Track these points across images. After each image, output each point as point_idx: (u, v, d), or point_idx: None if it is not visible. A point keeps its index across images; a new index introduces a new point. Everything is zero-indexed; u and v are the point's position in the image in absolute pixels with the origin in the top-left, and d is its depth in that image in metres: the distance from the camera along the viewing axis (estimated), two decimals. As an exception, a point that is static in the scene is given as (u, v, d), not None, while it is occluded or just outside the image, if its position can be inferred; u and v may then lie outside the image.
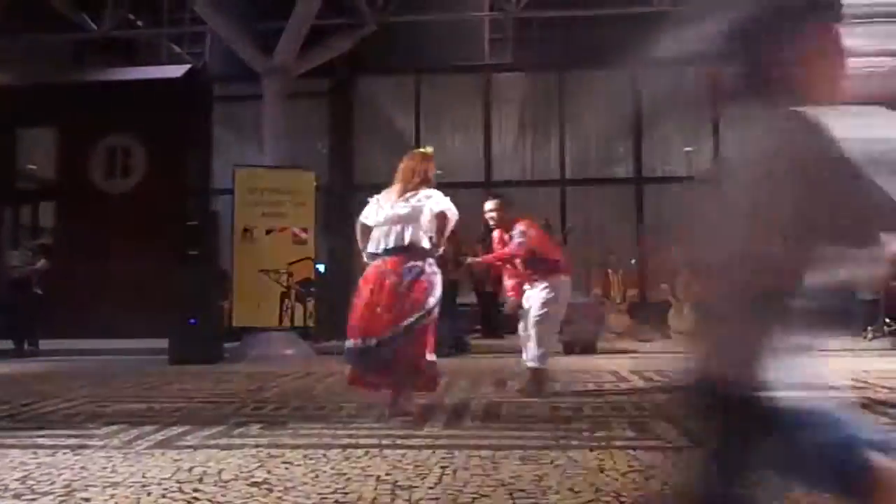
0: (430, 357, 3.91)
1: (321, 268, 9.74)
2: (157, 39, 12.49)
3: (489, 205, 5.03)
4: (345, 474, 2.61)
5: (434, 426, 3.58)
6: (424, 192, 3.93)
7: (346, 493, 2.35)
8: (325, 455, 2.93)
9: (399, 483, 2.48)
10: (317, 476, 2.59)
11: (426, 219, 3.86)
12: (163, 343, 7.43)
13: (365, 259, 3.99)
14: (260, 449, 3.04)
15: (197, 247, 7.65)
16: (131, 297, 9.76)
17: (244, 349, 8.00)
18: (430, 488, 2.41)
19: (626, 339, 9.13)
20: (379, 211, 3.99)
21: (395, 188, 4.02)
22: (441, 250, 3.97)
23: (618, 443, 3.11)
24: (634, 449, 2.97)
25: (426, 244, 3.86)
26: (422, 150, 4.27)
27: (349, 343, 3.81)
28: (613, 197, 11.32)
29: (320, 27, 9.10)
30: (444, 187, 12.64)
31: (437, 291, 3.89)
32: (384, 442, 3.18)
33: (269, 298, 8.10)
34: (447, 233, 3.93)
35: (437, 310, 3.88)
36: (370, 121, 11.44)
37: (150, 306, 8.63)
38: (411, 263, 3.79)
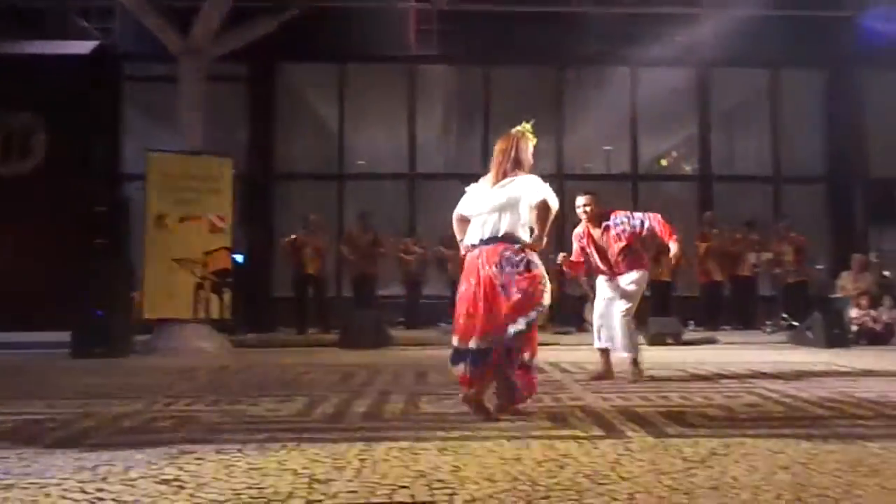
0: (531, 359, 3.59)
1: (239, 258, 9.47)
2: (62, 11, 11.72)
3: (582, 199, 5.21)
4: (260, 469, 2.54)
5: (354, 418, 3.54)
6: (521, 179, 3.57)
7: (262, 489, 2.29)
8: (239, 450, 2.84)
9: (316, 476, 2.43)
10: (231, 472, 2.51)
11: (524, 208, 3.53)
12: (68, 336, 7.04)
13: (462, 251, 3.72)
14: (171, 445, 2.92)
15: (104, 234, 7.28)
16: (33, 287, 9.19)
17: (155, 342, 7.69)
18: (349, 481, 2.38)
19: (545, 332, 9.33)
20: (475, 200, 3.70)
21: (490, 174, 3.70)
22: (544, 242, 3.56)
23: (535, 433, 3.17)
24: (551, 439, 3.03)
25: (525, 235, 3.55)
26: (517, 128, 3.78)
27: (453, 341, 3.59)
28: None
29: (241, 8, 8.80)
30: (366, 178, 12.66)
31: (548, 286, 3.54)
32: (302, 436, 3.12)
33: (183, 289, 7.80)
34: (549, 223, 3.53)
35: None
36: (292, 108, 11.19)
37: (53, 297, 8.16)
38: (508, 254, 3.47)
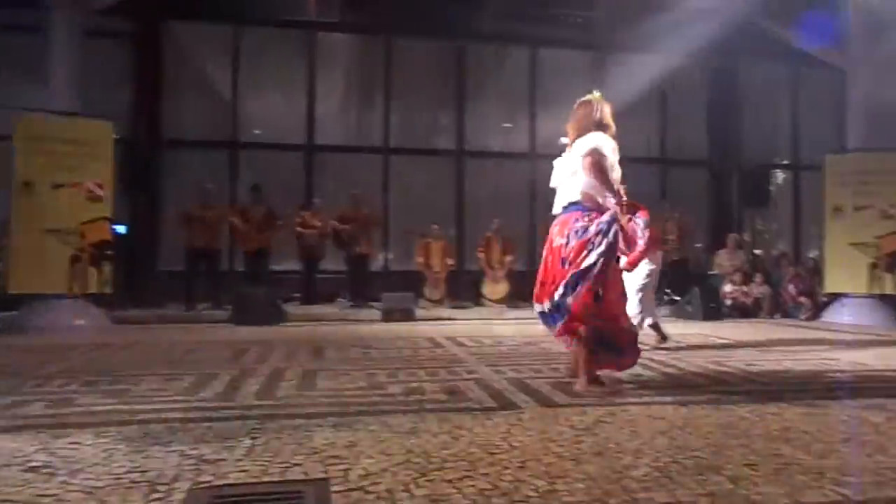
0: (623, 323, 3.65)
1: (121, 229, 8.92)
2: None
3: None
4: (143, 451, 2.41)
5: (245, 396, 3.44)
6: (584, 138, 3.59)
7: (145, 472, 2.18)
8: (120, 432, 2.69)
9: (205, 457, 2.34)
10: (110, 455, 2.37)
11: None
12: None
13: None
14: (41, 430, 2.72)
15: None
16: None
17: (24, 319, 7.12)
18: (239, 460, 2.31)
19: (442, 307, 9.43)
20: (557, 170, 3.75)
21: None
22: (613, 199, 3.46)
23: (430, 406, 3.19)
24: (446, 411, 3.07)
25: (601, 196, 3.52)
26: (594, 94, 3.78)
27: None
28: (435, 168, 11.54)
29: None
30: (261, 148, 12.18)
31: (602, 249, 3.41)
32: (189, 415, 2.99)
33: (57, 262, 7.26)
34: (601, 173, 3.45)
35: (597, 269, 3.40)
36: (181, 71, 10.55)
37: None
38: (578, 226, 3.48)
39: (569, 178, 3.64)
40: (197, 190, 9.20)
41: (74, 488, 2.04)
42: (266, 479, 2.13)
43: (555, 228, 3.64)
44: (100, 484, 2.07)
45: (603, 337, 3.58)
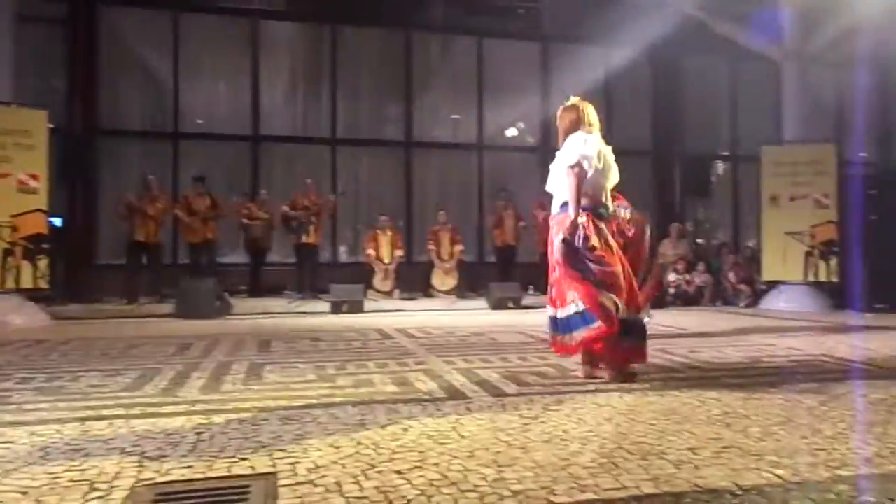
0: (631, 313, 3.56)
1: (57, 221, 8.58)
2: None
3: None
4: (82, 449, 2.34)
5: (190, 391, 3.36)
6: (572, 139, 3.62)
7: (84, 470, 2.11)
8: (58, 430, 2.60)
9: (147, 454, 2.28)
10: (47, 454, 2.29)
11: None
12: None
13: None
14: (-29, 429, 2.60)
15: None
16: None
17: (-49, 316, 6.78)
18: (184, 456, 2.26)
19: (391, 299, 9.41)
20: (551, 173, 3.80)
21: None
22: (575, 215, 3.49)
23: (380, 398, 3.19)
24: (395, 403, 3.07)
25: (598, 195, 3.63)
26: (575, 98, 3.83)
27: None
28: (384, 159, 11.47)
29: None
30: (204, 139, 11.88)
31: (560, 248, 3.55)
32: (132, 412, 2.91)
33: (-14, 256, 6.93)
34: (575, 189, 3.47)
35: (565, 266, 3.54)
36: (119, 58, 10.18)
37: None
38: (558, 225, 3.60)
39: (562, 180, 3.64)
40: (137, 181, 8.93)
41: (8, 488, 1.96)
42: (212, 474, 2.09)
43: (553, 229, 3.68)
44: (35, 484, 2.00)
45: (626, 324, 3.54)
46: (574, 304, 3.50)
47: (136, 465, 2.17)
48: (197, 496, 1.92)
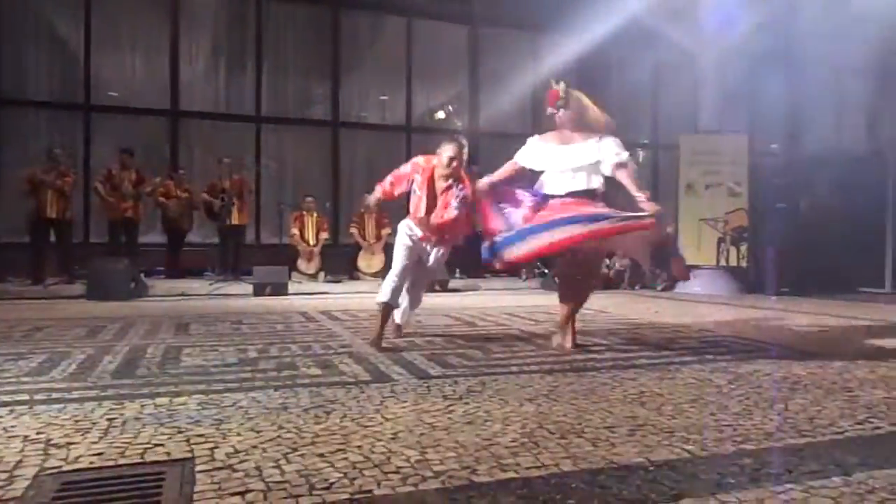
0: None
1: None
2: None
3: (452, 150, 4.12)
4: (-21, 439, 2.19)
5: (101, 376, 3.21)
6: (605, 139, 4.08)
7: (-20, 461, 1.98)
8: (-48, 419, 2.43)
9: (53, 441, 2.17)
10: (-61, 444, 2.13)
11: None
12: None
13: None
14: None
15: None
16: None
17: None
18: (94, 443, 2.15)
19: (316, 281, 9.28)
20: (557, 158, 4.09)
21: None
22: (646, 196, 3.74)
23: (302, 381, 3.14)
24: (318, 385, 3.03)
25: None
26: (562, 90, 4.02)
27: None
28: (310, 138, 11.24)
29: None
30: (119, 112, 11.39)
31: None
32: (36, 397, 2.76)
33: None
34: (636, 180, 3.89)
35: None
36: (23, 24, 9.55)
37: None
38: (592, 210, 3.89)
39: (617, 173, 3.87)
40: (43, 155, 8.41)
41: None
42: (123, 462, 2.00)
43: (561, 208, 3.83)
44: (-74, 477, 1.86)
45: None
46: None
47: (41, 452, 2.06)
48: (107, 484, 1.84)
